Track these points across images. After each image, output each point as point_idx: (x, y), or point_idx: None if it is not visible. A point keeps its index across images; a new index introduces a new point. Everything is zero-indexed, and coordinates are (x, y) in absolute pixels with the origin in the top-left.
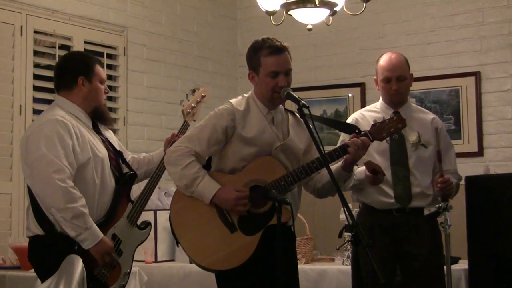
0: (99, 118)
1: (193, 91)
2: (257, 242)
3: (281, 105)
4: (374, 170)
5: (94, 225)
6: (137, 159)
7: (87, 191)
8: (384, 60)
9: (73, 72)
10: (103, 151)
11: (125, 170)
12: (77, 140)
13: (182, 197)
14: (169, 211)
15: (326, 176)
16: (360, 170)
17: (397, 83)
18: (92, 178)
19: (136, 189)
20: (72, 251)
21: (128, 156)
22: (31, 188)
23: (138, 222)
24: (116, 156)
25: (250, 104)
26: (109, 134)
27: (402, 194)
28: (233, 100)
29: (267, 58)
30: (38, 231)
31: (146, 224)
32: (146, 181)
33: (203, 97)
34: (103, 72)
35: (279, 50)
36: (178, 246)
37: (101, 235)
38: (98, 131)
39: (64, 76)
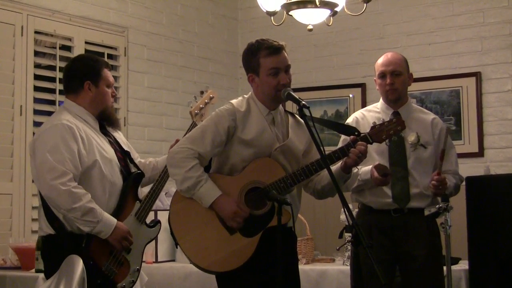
0: (106, 120)
1: (201, 93)
2: (256, 244)
3: (281, 106)
4: (385, 174)
5: (105, 214)
6: (142, 164)
7: (95, 192)
8: (381, 58)
9: (80, 76)
10: (110, 152)
11: (133, 169)
12: (83, 143)
13: (182, 198)
14: (168, 212)
15: (326, 177)
16: (364, 170)
17: (391, 77)
18: (100, 179)
19: (145, 191)
20: (80, 248)
21: (137, 158)
22: (39, 191)
23: (148, 221)
24: (124, 156)
25: (250, 105)
26: (118, 134)
27: (400, 194)
28: (233, 101)
29: (267, 58)
30: (50, 230)
31: (155, 222)
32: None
33: (211, 98)
34: (110, 76)
35: (277, 49)
36: (177, 247)
37: (114, 222)
38: (105, 133)
39: (72, 79)
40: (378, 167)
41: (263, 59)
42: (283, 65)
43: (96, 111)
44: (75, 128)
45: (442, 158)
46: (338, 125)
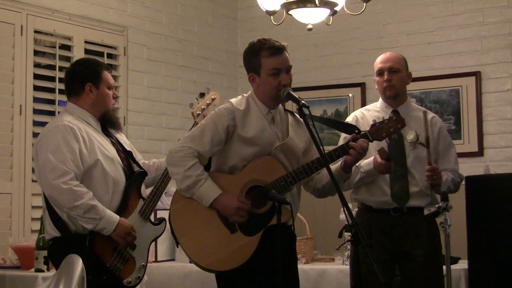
0: (108, 122)
1: (202, 94)
2: (257, 243)
3: (280, 105)
4: (388, 158)
5: (108, 211)
6: (146, 165)
7: (98, 190)
8: (379, 57)
9: (81, 79)
10: (112, 152)
11: (136, 169)
12: (84, 143)
13: (182, 198)
14: (168, 212)
15: (326, 176)
16: (366, 162)
17: (389, 74)
18: (102, 178)
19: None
20: (84, 248)
21: (140, 160)
22: (43, 191)
23: (153, 219)
24: (126, 156)
25: (250, 104)
26: (120, 136)
27: (399, 193)
28: (233, 100)
29: (269, 58)
30: (55, 232)
31: (160, 220)
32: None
33: (213, 99)
34: (111, 78)
35: (279, 50)
36: (178, 246)
37: (117, 218)
38: (107, 134)
39: (73, 82)
40: (380, 152)
41: (265, 59)
42: (284, 66)
43: (98, 112)
44: (76, 128)
45: (428, 145)
46: (338, 123)
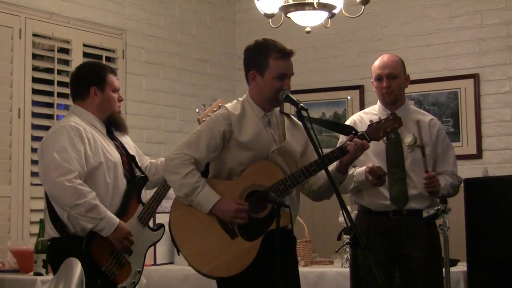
0: (114, 125)
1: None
2: (258, 248)
3: (276, 108)
4: (379, 176)
5: (109, 213)
6: (154, 164)
7: (99, 192)
8: (377, 60)
9: (86, 82)
10: (115, 155)
11: (138, 173)
12: (89, 145)
13: (182, 205)
14: (168, 218)
15: (322, 178)
16: (359, 171)
17: (388, 81)
18: (104, 180)
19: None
20: (80, 250)
21: (146, 161)
22: (45, 190)
23: (152, 225)
24: (128, 160)
25: (245, 108)
26: (125, 139)
27: (398, 196)
28: (228, 105)
29: (277, 61)
30: (54, 233)
31: (159, 226)
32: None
33: (219, 107)
34: (116, 81)
35: (289, 54)
36: (178, 254)
37: (117, 221)
38: (112, 137)
39: (78, 86)
40: (371, 172)
41: (274, 60)
42: (290, 72)
43: (103, 115)
44: (82, 130)
45: (423, 154)
46: (335, 124)
